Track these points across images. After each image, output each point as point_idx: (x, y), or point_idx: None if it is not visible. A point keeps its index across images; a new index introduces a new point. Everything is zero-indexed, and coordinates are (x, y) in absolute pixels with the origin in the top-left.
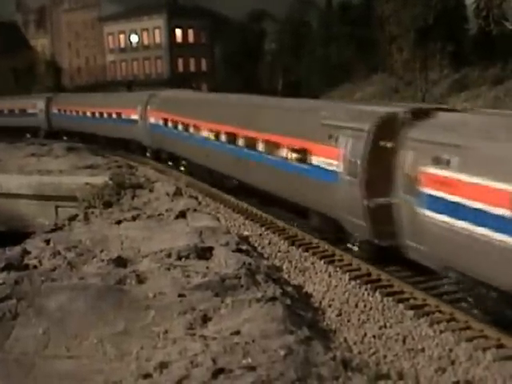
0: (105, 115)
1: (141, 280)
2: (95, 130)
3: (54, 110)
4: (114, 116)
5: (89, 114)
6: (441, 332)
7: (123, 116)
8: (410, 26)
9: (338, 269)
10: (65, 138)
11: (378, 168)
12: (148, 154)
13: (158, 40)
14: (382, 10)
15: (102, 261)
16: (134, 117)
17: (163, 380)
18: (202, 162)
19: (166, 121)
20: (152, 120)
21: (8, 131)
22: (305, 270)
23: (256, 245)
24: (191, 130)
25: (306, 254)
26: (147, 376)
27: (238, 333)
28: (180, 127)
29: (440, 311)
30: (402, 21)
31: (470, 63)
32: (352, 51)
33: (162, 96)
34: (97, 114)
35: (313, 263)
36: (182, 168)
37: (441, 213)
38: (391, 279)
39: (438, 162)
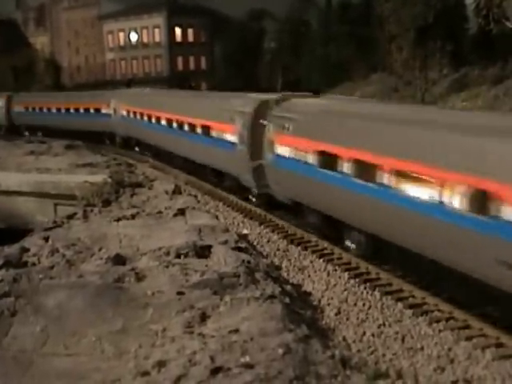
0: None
1: (139, 278)
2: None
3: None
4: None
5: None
6: (440, 331)
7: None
8: (410, 25)
9: (336, 267)
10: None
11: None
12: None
13: (157, 38)
14: (381, 9)
15: (101, 259)
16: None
17: (161, 378)
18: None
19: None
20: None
21: None
22: (304, 269)
23: (255, 243)
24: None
25: (305, 252)
26: (145, 374)
27: (236, 331)
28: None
29: (439, 310)
30: (402, 20)
31: (469, 62)
32: (351, 50)
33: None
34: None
35: (312, 261)
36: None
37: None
38: (390, 278)
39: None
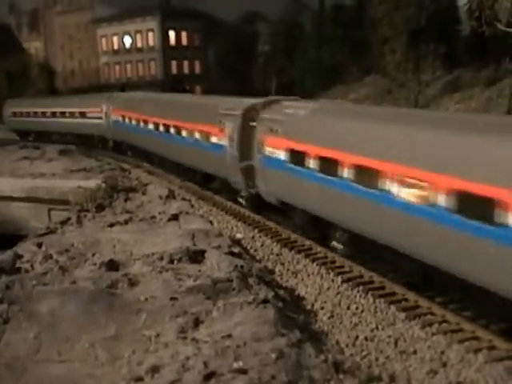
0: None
1: (133, 283)
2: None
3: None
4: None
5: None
6: (432, 334)
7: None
8: (403, 27)
9: (330, 271)
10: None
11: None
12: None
13: (151, 42)
14: (374, 12)
15: (94, 264)
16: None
17: None
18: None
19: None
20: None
21: None
22: (297, 273)
23: (248, 247)
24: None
25: (299, 256)
26: (139, 380)
27: (229, 336)
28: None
29: (432, 313)
30: (395, 22)
31: (462, 64)
32: (345, 53)
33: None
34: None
35: (305, 265)
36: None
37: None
38: (383, 281)
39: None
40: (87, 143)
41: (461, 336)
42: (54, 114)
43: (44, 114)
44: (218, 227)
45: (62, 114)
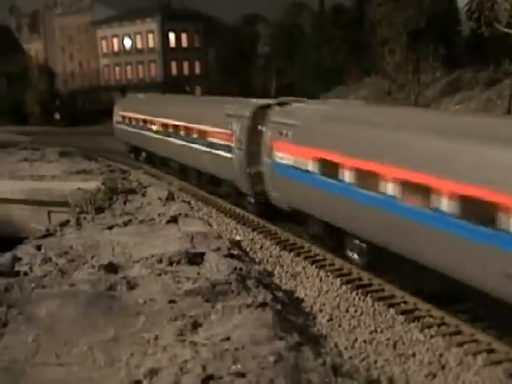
0: None
1: (131, 286)
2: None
3: None
4: None
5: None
6: (431, 337)
7: None
8: (402, 28)
9: (329, 273)
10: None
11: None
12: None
13: (151, 44)
14: (374, 13)
15: (93, 267)
16: None
17: None
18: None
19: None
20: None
21: None
22: (296, 275)
23: (248, 249)
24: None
25: (298, 258)
26: (137, 383)
27: (228, 339)
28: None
29: (431, 316)
30: (394, 24)
31: (462, 65)
32: (345, 54)
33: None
34: None
35: (304, 268)
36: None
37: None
38: (382, 283)
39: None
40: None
41: (460, 339)
42: (172, 130)
43: (153, 124)
44: (218, 229)
45: (188, 131)
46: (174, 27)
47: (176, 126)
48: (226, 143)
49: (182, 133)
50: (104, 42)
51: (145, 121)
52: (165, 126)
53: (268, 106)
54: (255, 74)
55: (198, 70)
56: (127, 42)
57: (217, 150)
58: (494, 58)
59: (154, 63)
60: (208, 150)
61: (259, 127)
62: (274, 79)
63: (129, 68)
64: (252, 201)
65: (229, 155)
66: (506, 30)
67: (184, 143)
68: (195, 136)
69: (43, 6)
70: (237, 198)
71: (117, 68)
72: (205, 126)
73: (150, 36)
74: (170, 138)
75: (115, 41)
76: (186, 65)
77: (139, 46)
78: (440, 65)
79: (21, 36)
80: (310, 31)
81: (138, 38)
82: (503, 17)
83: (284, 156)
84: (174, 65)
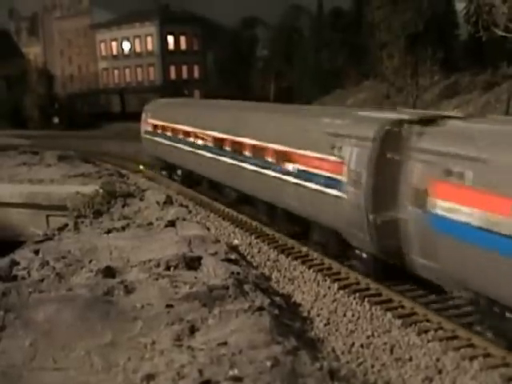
0: None
1: (129, 290)
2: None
3: None
4: None
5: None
6: (428, 341)
7: None
8: (401, 32)
9: (326, 278)
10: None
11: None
12: None
13: (150, 47)
14: (372, 17)
15: (91, 271)
16: None
17: None
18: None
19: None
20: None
21: None
22: (293, 279)
23: (245, 253)
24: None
25: (295, 262)
26: None
27: (225, 344)
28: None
29: (428, 320)
30: (393, 27)
31: (460, 69)
32: (343, 57)
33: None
34: None
35: (302, 272)
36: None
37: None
38: (379, 288)
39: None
40: None
41: (456, 343)
42: (231, 147)
43: (201, 139)
44: (215, 233)
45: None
46: (172, 30)
47: (239, 144)
48: (330, 175)
49: (248, 153)
50: (103, 46)
51: (188, 133)
52: (219, 141)
53: (407, 123)
54: (254, 77)
55: (196, 73)
56: (126, 46)
57: (311, 182)
58: (491, 62)
59: (153, 66)
60: (295, 181)
61: (391, 155)
62: (273, 82)
63: (127, 71)
64: (364, 256)
65: (335, 192)
66: (504, 33)
67: (252, 167)
68: (270, 159)
69: (42, 9)
70: (337, 250)
71: (115, 71)
72: (290, 148)
73: (149, 39)
74: (226, 159)
75: (114, 44)
76: (184, 68)
77: (138, 49)
78: (438, 68)
79: (20, 40)
80: (309, 34)
81: (137, 41)
82: (501, 21)
83: (455, 207)
84: (172, 68)
